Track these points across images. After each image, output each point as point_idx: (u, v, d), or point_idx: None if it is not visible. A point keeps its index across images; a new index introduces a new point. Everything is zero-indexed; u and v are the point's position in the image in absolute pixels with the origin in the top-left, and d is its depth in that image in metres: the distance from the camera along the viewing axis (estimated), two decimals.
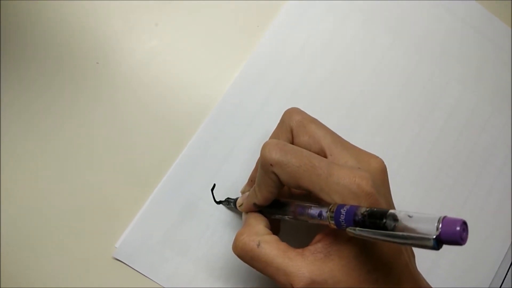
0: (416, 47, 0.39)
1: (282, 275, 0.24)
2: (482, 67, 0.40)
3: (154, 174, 0.33)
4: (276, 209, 0.28)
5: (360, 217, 0.21)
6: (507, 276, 0.37)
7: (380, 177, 0.26)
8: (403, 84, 0.38)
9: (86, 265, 0.31)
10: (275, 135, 0.30)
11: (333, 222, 0.23)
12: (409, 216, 0.19)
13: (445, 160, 0.38)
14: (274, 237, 0.26)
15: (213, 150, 0.33)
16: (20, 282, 0.30)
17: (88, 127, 0.32)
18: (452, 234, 0.17)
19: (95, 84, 0.33)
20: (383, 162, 0.27)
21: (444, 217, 0.18)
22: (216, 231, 0.33)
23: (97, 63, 0.33)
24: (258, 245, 0.25)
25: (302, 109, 0.29)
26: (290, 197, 0.30)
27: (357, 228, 0.21)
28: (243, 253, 0.26)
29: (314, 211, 0.24)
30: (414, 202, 0.37)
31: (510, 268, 0.38)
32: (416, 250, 0.25)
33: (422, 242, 0.18)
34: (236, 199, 0.31)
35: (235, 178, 0.33)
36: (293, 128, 0.28)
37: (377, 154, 0.27)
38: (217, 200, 0.33)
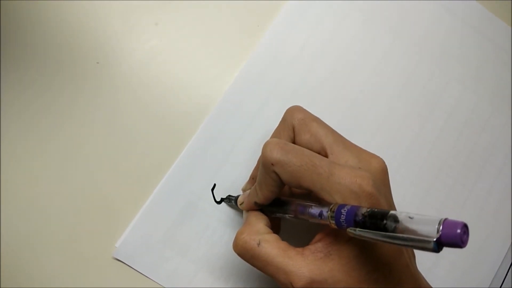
0: (416, 47, 0.39)
1: (282, 274, 0.24)
2: (482, 67, 0.40)
3: (154, 174, 0.33)
4: (277, 207, 0.28)
5: (360, 218, 0.21)
6: (507, 276, 0.37)
7: (381, 177, 0.26)
8: (403, 84, 0.38)
9: (86, 265, 0.31)
10: (277, 132, 0.30)
11: (333, 222, 0.23)
12: (410, 218, 0.19)
13: (445, 160, 0.38)
14: (275, 236, 0.26)
15: (213, 150, 0.33)
16: (20, 282, 0.30)
17: (88, 127, 0.32)
18: (452, 237, 0.17)
19: (95, 84, 0.33)
20: (384, 162, 0.27)
21: (445, 219, 0.18)
22: (216, 231, 0.33)
23: (97, 63, 0.33)
24: (259, 244, 0.25)
25: None
26: (291, 196, 0.30)
27: (358, 229, 0.21)
28: (243, 252, 0.26)
29: (315, 210, 0.24)
30: (414, 202, 0.37)
31: (510, 268, 0.38)
32: (416, 251, 0.25)
33: (423, 245, 0.18)
34: (237, 196, 0.31)
35: (235, 178, 0.33)
36: (295, 126, 0.28)
37: (377, 154, 0.27)
38: (218, 199, 0.33)
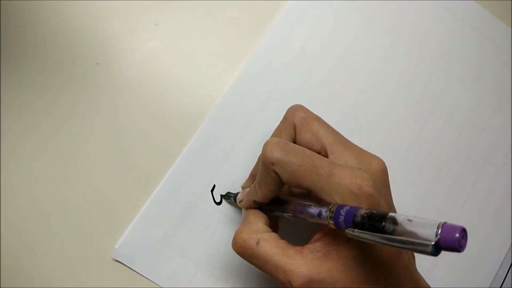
0: (416, 47, 0.39)
1: (281, 273, 0.24)
2: (482, 67, 0.40)
3: (154, 174, 0.33)
4: (276, 206, 0.28)
5: (359, 219, 0.21)
6: (507, 276, 0.37)
7: (381, 178, 0.26)
8: (403, 84, 0.38)
9: (86, 265, 0.31)
10: (278, 131, 0.30)
11: (332, 222, 0.23)
12: (409, 220, 0.19)
13: (445, 160, 0.38)
14: (274, 234, 0.26)
15: (213, 150, 0.33)
16: (20, 282, 0.30)
17: (88, 127, 0.32)
18: (451, 241, 0.17)
19: (95, 84, 0.33)
20: (384, 163, 0.27)
21: (444, 223, 0.18)
22: (216, 231, 0.33)
23: (97, 63, 0.33)
24: (257, 243, 0.25)
25: None
26: (290, 195, 0.30)
27: (356, 230, 0.21)
28: (242, 251, 0.26)
29: (314, 210, 0.24)
30: (414, 202, 0.37)
31: (510, 269, 0.38)
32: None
33: (421, 248, 0.18)
34: (237, 194, 0.31)
35: (235, 178, 0.33)
36: (296, 125, 0.28)
37: (377, 154, 0.27)
38: (217, 200, 0.33)
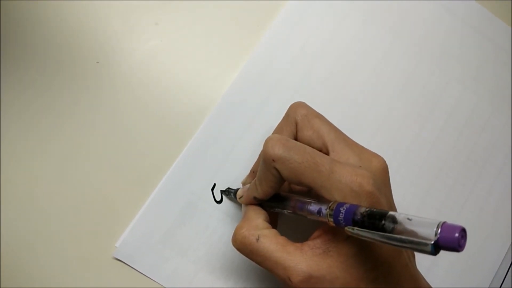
0: (416, 47, 0.39)
1: (281, 269, 0.24)
2: (482, 67, 0.40)
3: (154, 174, 0.33)
4: (276, 203, 0.28)
5: (359, 217, 0.21)
6: (507, 276, 0.37)
7: (382, 176, 0.26)
8: (403, 84, 0.38)
9: (86, 265, 0.31)
10: (280, 128, 0.30)
11: (332, 220, 0.23)
12: (409, 219, 0.19)
13: (445, 160, 0.38)
14: (273, 231, 0.26)
15: (213, 150, 0.33)
16: (20, 282, 0.30)
17: (88, 127, 0.32)
18: (450, 241, 0.17)
19: (95, 84, 0.33)
20: (385, 162, 0.27)
21: (444, 222, 0.18)
22: (216, 231, 0.33)
23: (97, 63, 0.33)
24: (257, 239, 0.25)
25: None
26: (290, 192, 0.30)
27: (356, 228, 0.21)
28: (242, 247, 0.26)
29: (314, 207, 0.25)
30: (414, 202, 0.37)
31: (510, 269, 0.38)
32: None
33: (420, 247, 0.18)
34: (237, 190, 0.31)
35: (235, 178, 0.33)
36: (298, 122, 0.28)
37: None
38: (218, 198, 0.33)
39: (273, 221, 0.30)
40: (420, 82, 0.38)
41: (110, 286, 0.31)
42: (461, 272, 0.37)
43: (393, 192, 0.27)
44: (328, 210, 0.23)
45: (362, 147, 0.28)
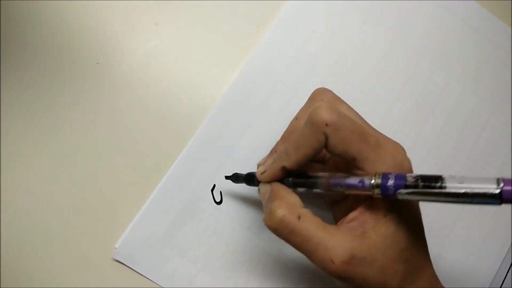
0: (416, 47, 0.39)
1: (322, 250, 0.23)
2: (482, 67, 0.40)
3: (154, 174, 0.33)
4: (304, 179, 0.26)
5: (412, 180, 0.22)
6: (507, 276, 0.37)
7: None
8: (403, 84, 0.38)
9: (86, 265, 0.31)
10: (304, 112, 0.29)
11: (378, 190, 0.23)
12: (462, 179, 0.20)
13: (445, 160, 0.38)
14: (309, 211, 0.24)
15: (213, 150, 0.33)
16: (20, 282, 0.30)
17: (88, 127, 0.32)
18: None
19: (95, 84, 0.33)
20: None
21: (502, 178, 0.19)
22: (216, 231, 0.33)
23: (97, 63, 0.33)
24: (299, 218, 0.24)
25: None
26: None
27: (412, 190, 0.21)
28: (281, 226, 0.24)
29: (353, 180, 0.24)
30: None
31: (510, 268, 0.38)
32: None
33: (485, 199, 0.19)
34: (247, 174, 0.29)
35: None
36: None
37: None
38: (217, 199, 0.33)
39: None
40: (420, 82, 0.38)
41: (110, 287, 0.31)
42: (461, 272, 0.37)
43: None
44: (374, 179, 0.23)
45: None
